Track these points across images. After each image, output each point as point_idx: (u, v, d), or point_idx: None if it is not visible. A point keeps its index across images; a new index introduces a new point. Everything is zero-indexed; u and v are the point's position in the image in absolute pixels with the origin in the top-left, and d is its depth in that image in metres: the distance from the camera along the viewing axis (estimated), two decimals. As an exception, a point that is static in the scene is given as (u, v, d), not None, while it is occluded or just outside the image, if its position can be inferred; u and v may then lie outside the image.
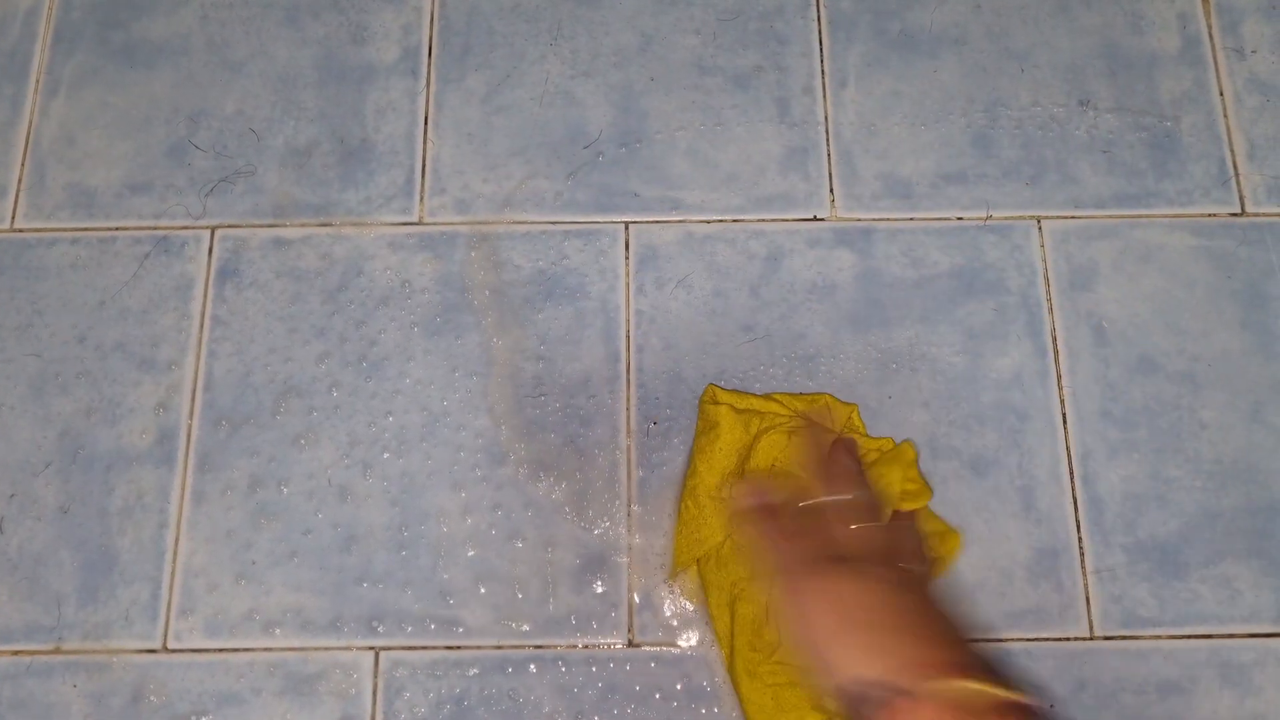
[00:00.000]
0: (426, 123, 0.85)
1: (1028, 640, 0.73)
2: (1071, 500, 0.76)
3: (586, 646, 0.73)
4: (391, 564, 0.75)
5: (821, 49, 0.87)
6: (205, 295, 0.81)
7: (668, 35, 0.87)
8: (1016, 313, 0.80)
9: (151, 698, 0.72)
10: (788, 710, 0.69)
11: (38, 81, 0.87)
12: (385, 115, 0.85)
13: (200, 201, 0.83)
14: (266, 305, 0.80)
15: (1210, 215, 0.83)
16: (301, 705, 0.72)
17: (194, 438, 0.77)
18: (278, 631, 0.73)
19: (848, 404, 0.76)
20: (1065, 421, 0.78)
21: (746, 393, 0.76)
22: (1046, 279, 0.81)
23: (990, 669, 0.54)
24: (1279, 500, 0.76)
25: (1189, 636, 0.73)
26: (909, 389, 0.78)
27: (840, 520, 0.65)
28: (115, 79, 0.87)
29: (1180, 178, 0.83)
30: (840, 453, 0.70)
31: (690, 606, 0.74)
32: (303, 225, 0.82)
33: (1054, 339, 0.80)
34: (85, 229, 0.83)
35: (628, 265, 0.81)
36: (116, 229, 0.83)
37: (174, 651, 0.73)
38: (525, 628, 0.73)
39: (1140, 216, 0.82)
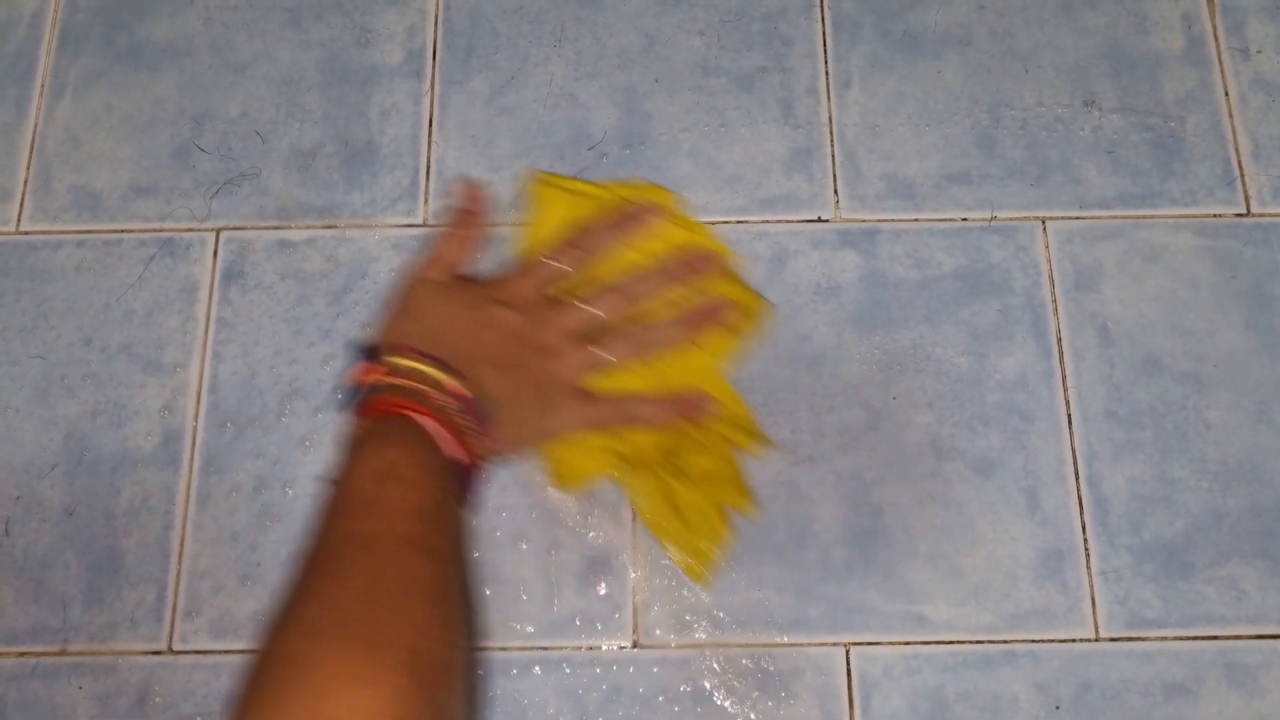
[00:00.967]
0: (431, 125, 0.85)
1: (1033, 641, 0.73)
2: (1077, 501, 0.76)
3: (591, 648, 0.73)
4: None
5: (825, 50, 0.87)
6: (210, 297, 0.81)
7: (671, 37, 0.87)
8: (1021, 313, 0.80)
9: (157, 699, 0.72)
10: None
11: (43, 84, 0.87)
12: (389, 117, 0.85)
13: (205, 204, 0.83)
14: (271, 307, 0.81)
15: (1215, 216, 0.82)
16: (307, 707, 0.72)
17: (199, 440, 0.78)
18: (283, 633, 0.73)
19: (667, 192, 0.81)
20: (1070, 422, 0.78)
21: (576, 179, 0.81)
22: (1051, 280, 0.81)
23: None
24: (1285, 501, 0.76)
25: (1195, 638, 0.73)
26: (913, 390, 0.78)
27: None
28: (120, 81, 0.87)
29: (1185, 178, 0.83)
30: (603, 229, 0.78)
31: (690, 605, 0.74)
32: (307, 227, 0.83)
33: (1059, 340, 0.79)
34: (90, 231, 0.83)
35: (632, 267, 0.81)
36: (121, 231, 0.83)
37: (179, 653, 0.73)
38: (529, 629, 0.74)
39: (1145, 217, 0.82)
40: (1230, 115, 0.85)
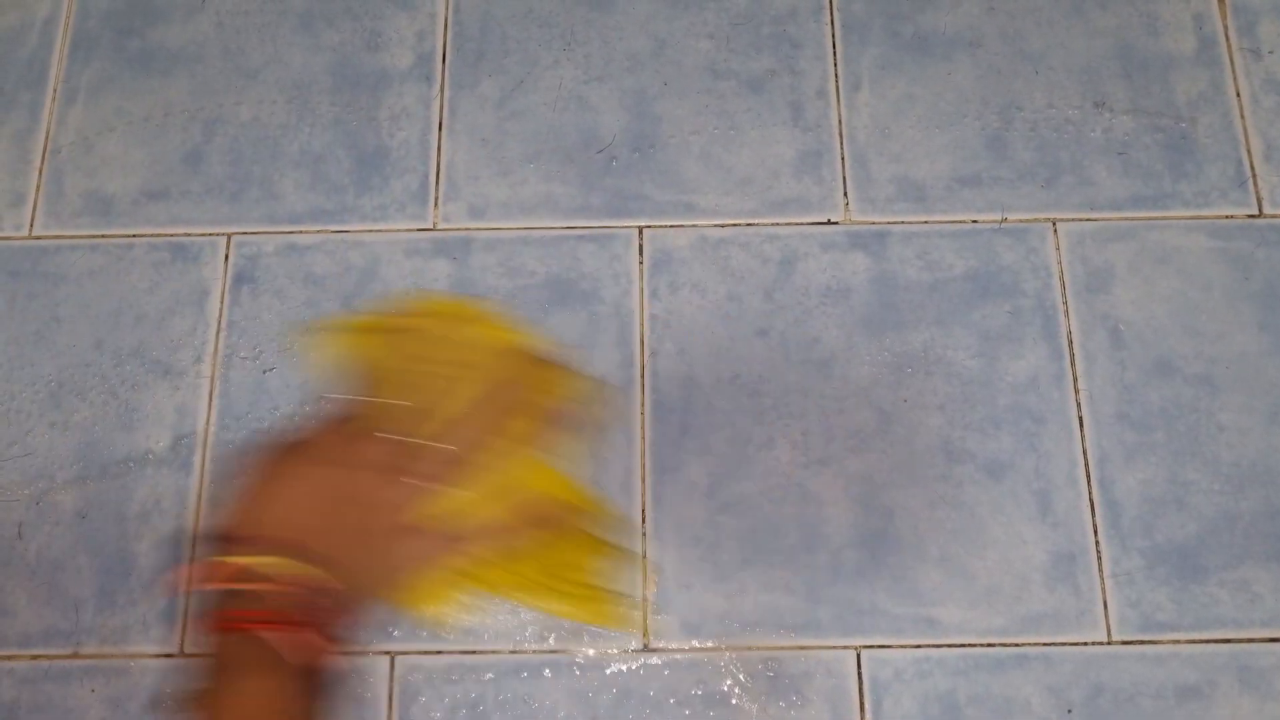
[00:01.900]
0: (440, 128, 0.85)
1: (1045, 645, 0.73)
2: (1089, 504, 0.76)
3: (601, 651, 0.73)
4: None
5: (835, 52, 0.87)
6: (221, 301, 0.81)
7: (681, 40, 0.87)
8: (1032, 315, 0.80)
9: (168, 702, 0.72)
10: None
11: (55, 90, 0.87)
12: (399, 121, 0.85)
13: (216, 208, 0.84)
14: (282, 310, 0.81)
15: (1227, 217, 0.82)
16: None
17: (210, 442, 0.78)
18: (294, 636, 0.74)
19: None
20: (1082, 425, 0.77)
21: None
22: (1062, 281, 0.81)
23: None
24: (1298, 503, 0.75)
25: (1208, 641, 0.73)
26: (924, 392, 0.78)
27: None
28: (132, 87, 0.87)
29: (1197, 179, 0.83)
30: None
31: (700, 608, 0.74)
32: (318, 231, 0.83)
33: (1070, 342, 0.79)
34: (103, 236, 0.83)
35: (641, 269, 0.81)
36: (134, 236, 0.83)
37: (191, 656, 0.73)
38: (540, 633, 0.73)
39: (1156, 218, 0.82)
40: (1242, 116, 0.85)
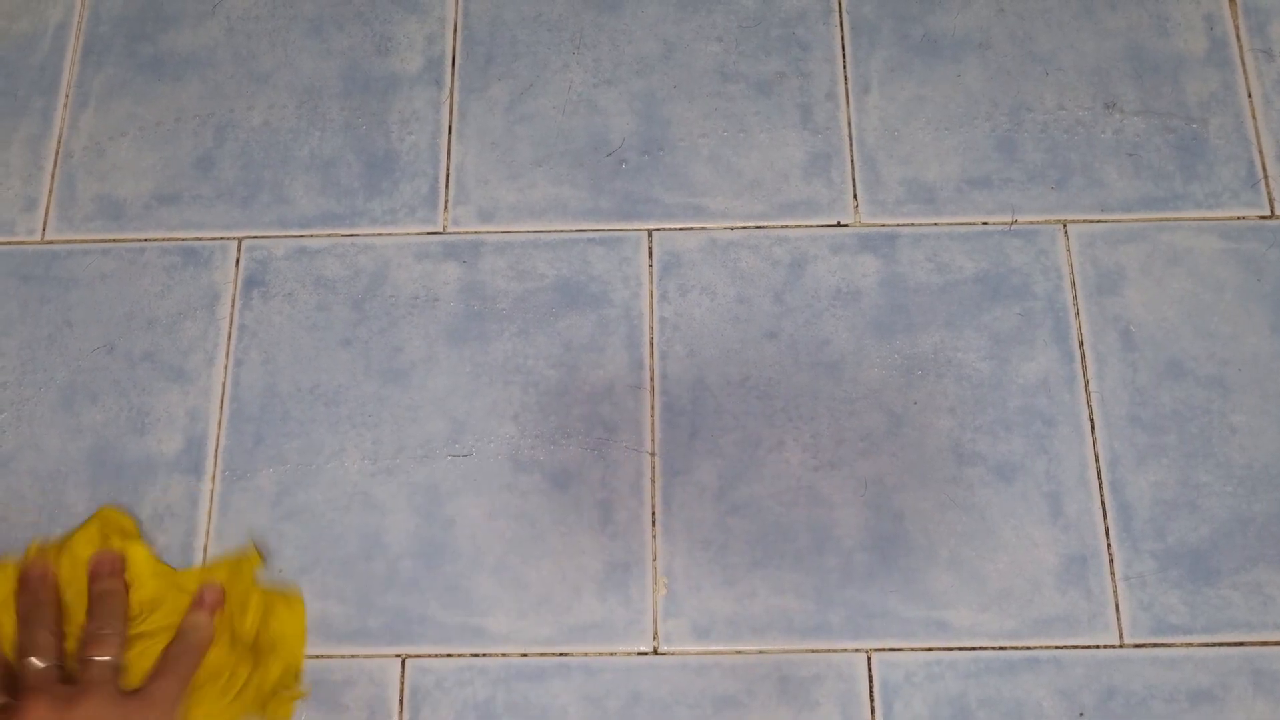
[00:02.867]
0: (450, 132, 0.86)
1: (1056, 648, 0.72)
2: (1100, 506, 0.75)
3: (611, 654, 0.73)
4: (417, 571, 0.75)
5: (844, 54, 0.87)
6: (233, 305, 0.82)
7: (690, 43, 0.87)
8: (1043, 317, 0.79)
9: (180, 705, 0.72)
10: None
11: (67, 95, 0.88)
12: (409, 125, 0.86)
13: (227, 212, 0.84)
14: (293, 314, 0.81)
15: (1239, 218, 0.82)
16: (328, 712, 0.72)
17: (222, 447, 0.78)
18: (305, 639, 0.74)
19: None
20: (1093, 427, 0.77)
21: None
22: (1073, 283, 0.80)
23: None
24: (1312, 506, 0.75)
25: (1221, 644, 0.73)
26: (934, 395, 0.78)
27: None
28: (143, 91, 0.88)
29: (1208, 180, 0.83)
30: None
31: (710, 611, 0.74)
32: (328, 235, 0.83)
33: (1081, 344, 0.79)
34: (114, 240, 0.84)
35: (651, 272, 0.81)
36: (145, 240, 0.84)
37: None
38: (550, 635, 0.74)
39: (1168, 220, 0.82)
40: (1254, 117, 0.84)
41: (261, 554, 0.75)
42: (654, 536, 0.75)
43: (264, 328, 0.81)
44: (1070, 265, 0.81)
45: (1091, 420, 0.77)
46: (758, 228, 0.82)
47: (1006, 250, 0.81)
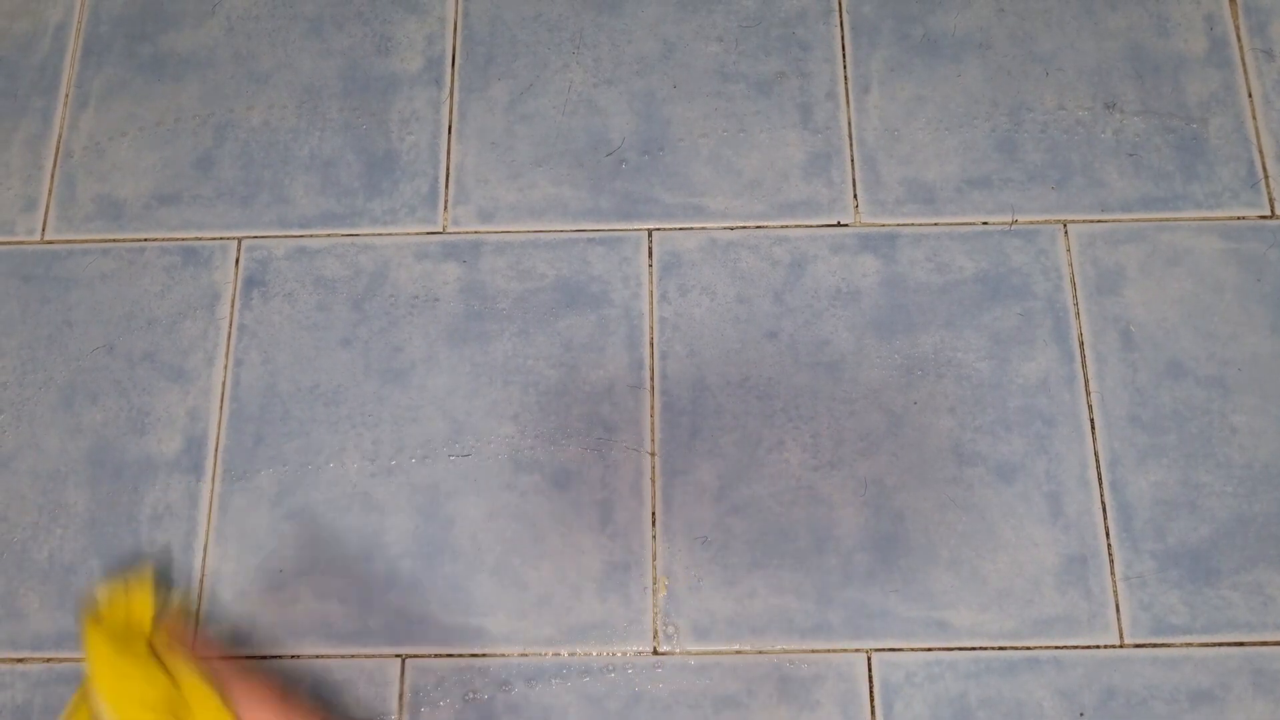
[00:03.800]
0: (450, 132, 0.86)
1: (1056, 648, 0.72)
2: (1100, 506, 0.75)
3: (611, 655, 0.73)
4: (417, 572, 0.75)
5: (844, 54, 0.87)
6: (232, 305, 0.82)
7: (690, 43, 0.87)
8: (1043, 317, 0.79)
9: (180, 705, 0.72)
10: None
11: (67, 95, 0.88)
12: (409, 125, 0.86)
13: (227, 212, 0.84)
14: (293, 314, 0.81)
15: (1239, 218, 0.82)
16: (328, 711, 0.72)
17: (222, 446, 0.78)
18: (305, 639, 0.74)
19: None
20: (1093, 427, 0.77)
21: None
22: (1073, 283, 0.80)
23: None
24: (1312, 506, 0.75)
25: (1221, 644, 0.72)
26: (934, 395, 0.78)
27: None
28: (143, 91, 0.88)
29: (1208, 180, 0.83)
30: None
31: (710, 611, 0.74)
32: (328, 235, 0.83)
33: (1081, 344, 0.79)
34: (114, 240, 0.83)
35: (651, 272, 0.81)
36: (145, 240, 0.83)
37: (203, 659, 0.73)
38: (550, 635, 0.74)
39: (1168, 220, 0.82)
40: (1254, 117, 0.84)
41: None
42: (654, 537, 0.75)
43: (264, 328, 0.81)
44: (1070, 265, 0.81)
45: (1091, 420, 0.77)
46: (758, 227, 0.82)
47: (1006, 250, 0.81)
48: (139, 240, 0.84)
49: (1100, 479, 0.76)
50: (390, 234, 0.83)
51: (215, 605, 0.75)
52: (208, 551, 0.76)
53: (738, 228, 0.82)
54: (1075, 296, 0.80)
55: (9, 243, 0.84)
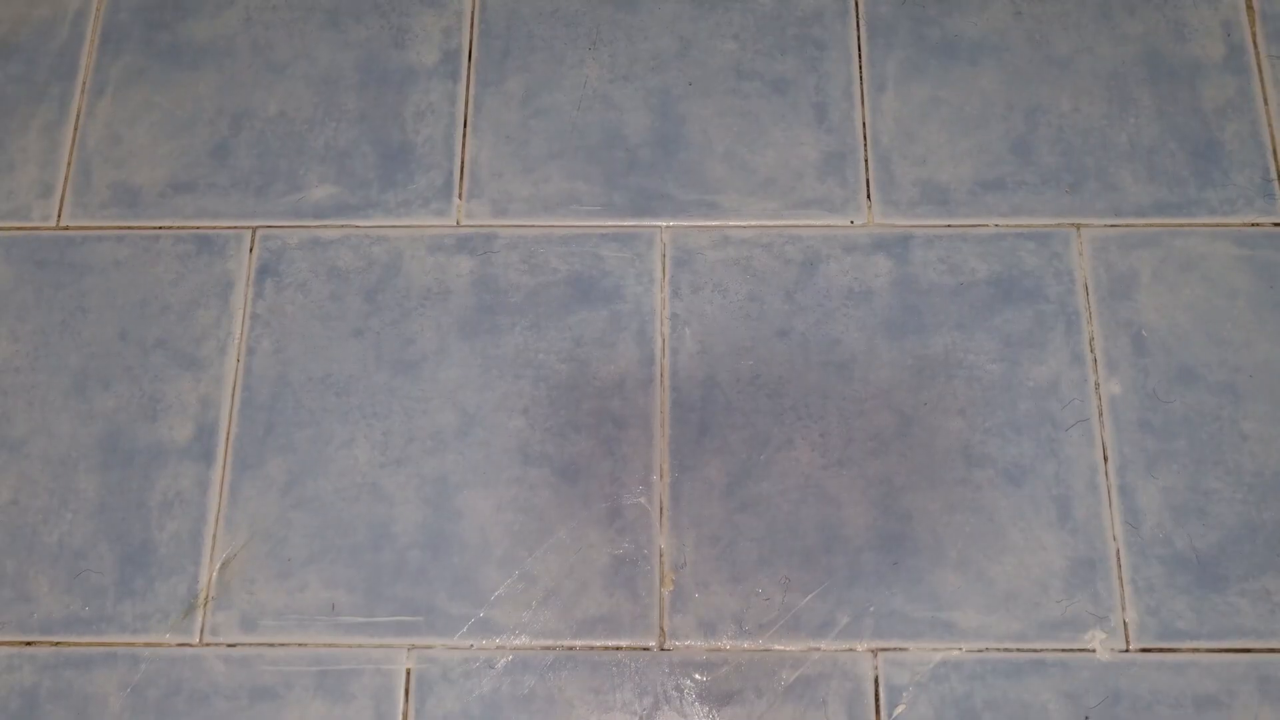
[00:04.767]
0: (465, 125, 0.86)
1: (1063, 651, 0.72)
2: (1109, 510, 0.75)
3: (618, 648, 0.73)
4: (425, 562, 0.75)
5: (860, 55, 0.87)
6: (246, 294, 0.82)
7: (706, 40, 0.87)
8: (1055, 321, 0.79)
9: (187, 690, 0.73)
10: None
11: (85, 82, 0.88)
12: (425, 118, 0.86)
13: (242, 201, 0.84)
14: (305, 304, 0.81)
15: (1253, 225, 0.82)
16: (335, 700, 0.72)
17: (233, 434, 0.78)
18: (312, 627, 0.74)
19: None
20: (1103, 431, 0.77)
21: None
22: (1085, 287, 0.80)
23: None
24: (1321, 514, 0.75)
25: (1227, 650, 0.72)
26: (945, 396, 0.78)
27: None
28: (161, 80, 0.88)
29: (1223, 186, 0.82)
30: None
31: (717, 608, 0.74)
32: (342, 226, 0.83)
33: (1092, 348, 0.79)
34: (129, 227, 0.84)
35: (664, 268, 0.81)
36: (160, 228, 0.84)
37: (210, 645, 0.74)
38: (557, 628, 0.74)
39: (1182, 225, 0.82)
40: (1269, 124, 0.84)
41: None
42: (661, 532, 0.75)
43: (276, 317, 0.81)
44: (1083, 269, 0.81)
45: (1102, 425, 0.77)
46: (771, 226, 0.82)
47: (1019, 253, 0.81)
48: (154, 228, 0.84)
49: (1109, 483, 0.76)
50: (404, 226, 0.83)
51: (223, 591, 0.75)
52: (217, 539, 0.76)
53: (751, 226, 0.82)
54: (1088, 300, 0.80)
55: (25, 228, 0.84)
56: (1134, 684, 0.72)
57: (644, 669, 0.73)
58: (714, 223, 0.83)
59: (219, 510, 0.77)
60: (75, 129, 0.87)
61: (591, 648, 0.73)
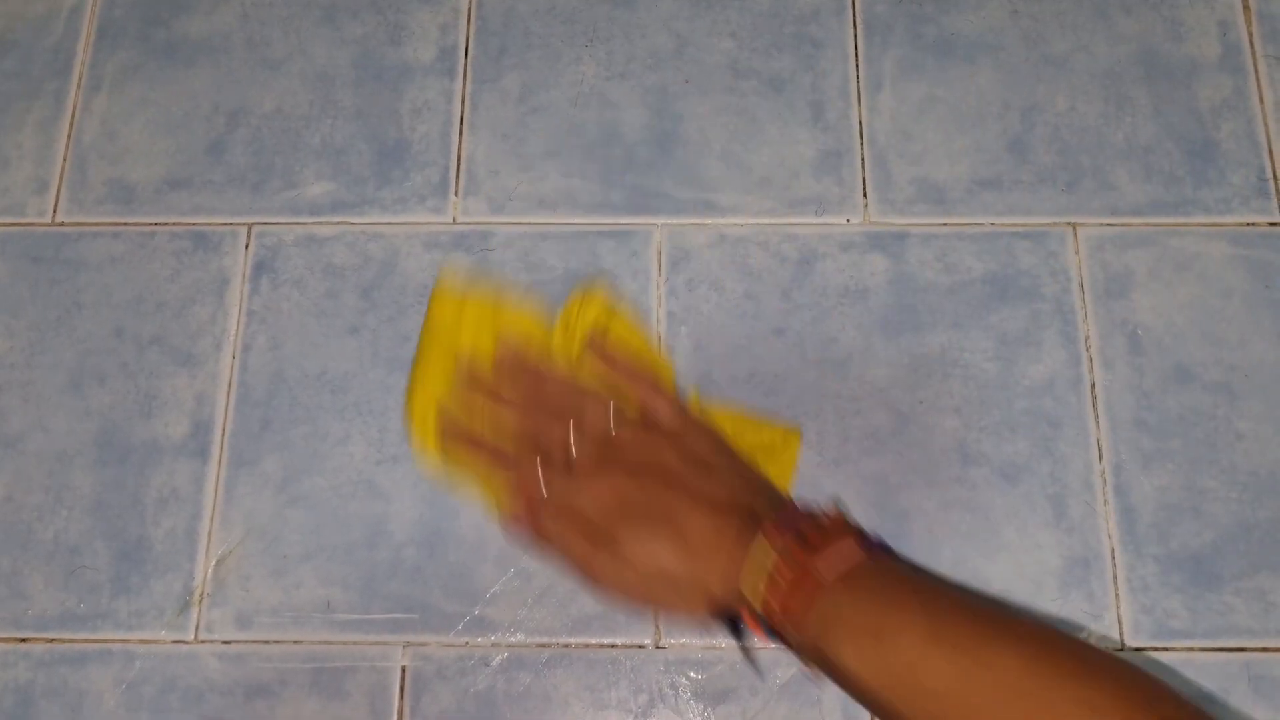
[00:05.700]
0: (462, 123, 0.86)
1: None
2: (1104, 510, 0.75)
3: (613, 645, 0.73)
4: (421, 560, 0.75)
5: (857, 53, 0.87)
6: (242, 290, 0.82)
7: (703, 38, 0.87)
8: (1050, 319, 0.80)
9: (182, 688, 0.73)
10: None
11: (80, 78, 0.88)
12: (421, 114, 0.86)
13: (238, 198, 0.84)
14: (301, 301, 0.81)
15: (1249, 224, 0.82)
16: (330, 697, 0.72)
17: (228, 431, 0.78)
18: (308, 624, 0.74)
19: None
20: (1098, 430, 0.77)
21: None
22: (1081, 286, 0.80)
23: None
24: (1316, 513, 0.75)
25: (1222, 649, 0.73)
26: (940, 395, 0.78)
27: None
28: (157, 76, 0.88)
29: (1219, 186, 0.83)
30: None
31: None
32: (338, 223, 0.83)
33: (1088, 346, 0.79)
34: (125, 224, 0.84)
35: (660, 267, 0.81)
36: (156, 224, 0.84)
37: (205, 642, 0.74)
38: (552, 625, 0.74)
39: (1178, 224, 0.82)
40: (1265, 123, 0.84)
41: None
42: (658, 530, 0.75)
43: (272, 314, 0.81)
44: (1079, 268, 0.81)
45: (1097, 423, 0.77)
46: (767, 224, 0.82)
47: (1015, 251, 0.81)
48: (150, 224, 0.84)
49: (1104, 482, 0.76)
50: (400, 223, 0.83)
51: (219, 588, 0.75)
52: (212, 536, 0.76)
53: (747, 224, 0.82)
54: (1084, 299, 0.80)
55: (20, 224, 0.84)
56: (1128, 682, 0.72)
57: (639, 666, 0.73)
58: (710, 221, 0.83)
59: (214, 507, 0.77)
60: (71, 125, 0.87)
61: (587, 645, 0.74)
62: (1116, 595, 0.74)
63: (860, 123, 0.85)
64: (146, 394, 0.79)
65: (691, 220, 0.83)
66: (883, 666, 0.56)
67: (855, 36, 0.88)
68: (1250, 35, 0.87)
